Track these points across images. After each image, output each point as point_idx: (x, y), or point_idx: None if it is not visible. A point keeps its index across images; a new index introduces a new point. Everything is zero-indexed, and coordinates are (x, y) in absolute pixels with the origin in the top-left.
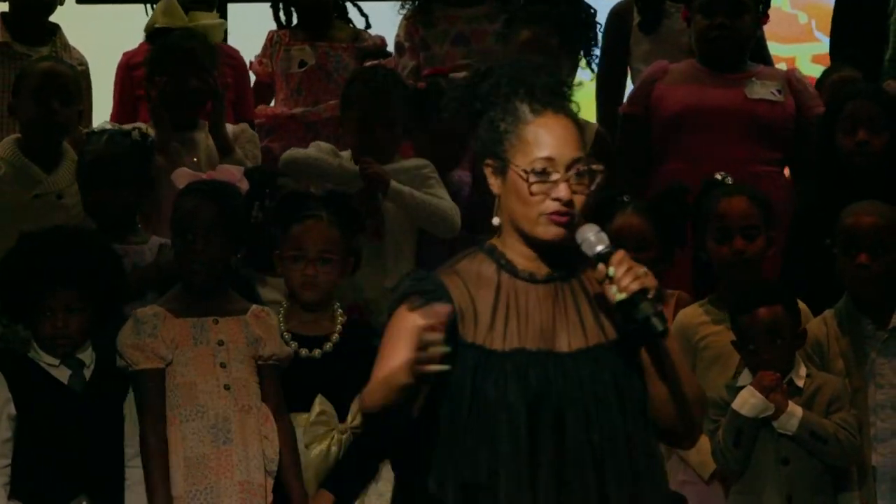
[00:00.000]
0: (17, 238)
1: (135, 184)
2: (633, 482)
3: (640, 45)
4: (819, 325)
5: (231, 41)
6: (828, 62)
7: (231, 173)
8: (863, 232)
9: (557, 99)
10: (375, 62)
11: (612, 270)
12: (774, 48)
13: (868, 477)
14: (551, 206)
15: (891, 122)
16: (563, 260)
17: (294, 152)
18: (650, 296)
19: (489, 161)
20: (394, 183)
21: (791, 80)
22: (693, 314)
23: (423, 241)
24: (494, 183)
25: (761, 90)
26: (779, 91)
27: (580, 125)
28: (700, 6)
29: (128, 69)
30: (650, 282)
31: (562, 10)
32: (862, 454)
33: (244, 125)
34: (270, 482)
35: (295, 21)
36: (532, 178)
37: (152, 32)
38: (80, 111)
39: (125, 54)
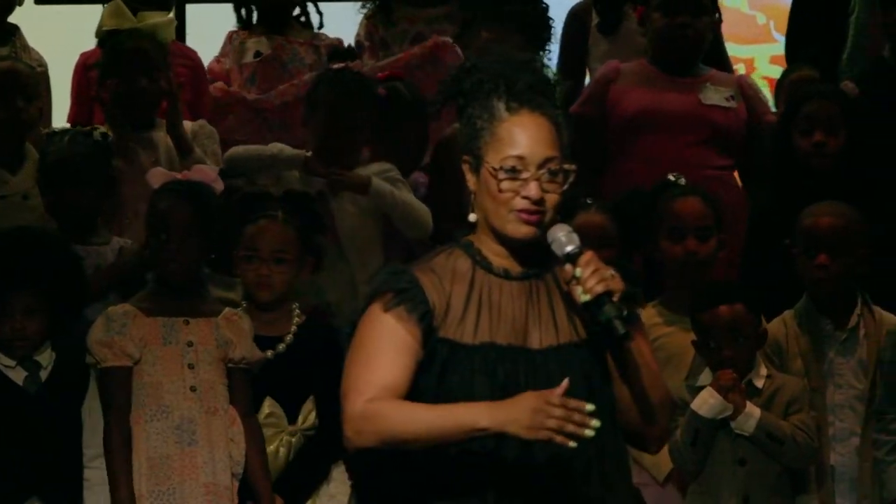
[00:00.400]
0: None
1: (97, 185)
2: (599, 483)
3: (598, 45)
4: (778, 325)
5: (189, 42)
6: (786, 63)
7: (206, 173)
8: (822, 233)
9: (536, 97)
10: (342, 64)
11: (578, 271)
12: (733, 49)
13: (826, 477)
14: (520, 203)
15: (848, 123)
16: (537, 258)
17: (234, 149)
18: (615, 298)
19: (466, 157)
20: (376, 180)
21: (743, 87)
22: (645, 315)
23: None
24: (470, 179)
25: (715, 96)
26: (732, 97)
27: (558, 124)
28: (660, 4)
29: (85, 70)
30: (616, 284)
31: (521, 8)
32: (821, 454)
33: (202, 122)
34: (236, 484)
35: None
36: (502, 176)
37: (103, 36)
38: (41, 108)
39: (82, 55)
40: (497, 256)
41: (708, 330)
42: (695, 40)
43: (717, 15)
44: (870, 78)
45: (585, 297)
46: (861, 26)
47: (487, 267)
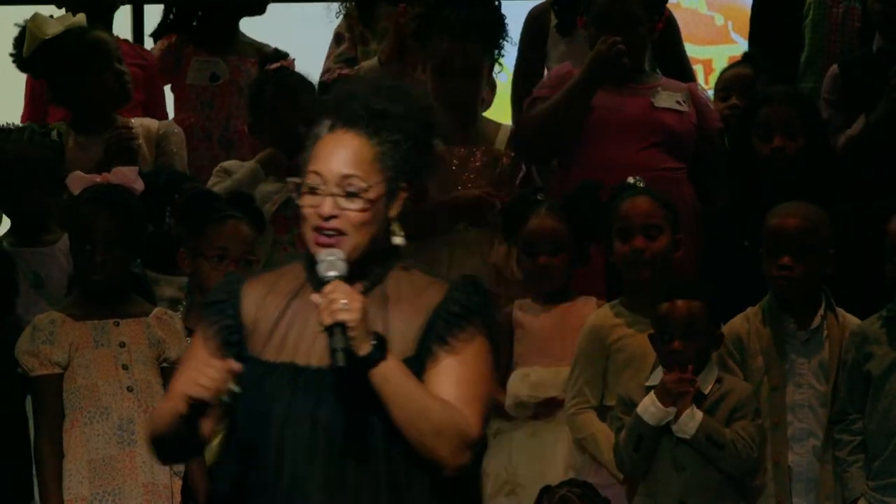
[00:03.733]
0: None
1: (50, 184)
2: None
3: (557, 47)
4: (741, 321)
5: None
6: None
7: (125, 175)
8: (787, 233)
9: (366, 120)
10: (277, 64)
11: (319, 300)
12: (691, 50)
13: (783, 476)
14: (315, 220)
15: (805, 126)
16: (365, 273)
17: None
18: (350, 330)
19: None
20: None
21: (693, 93)
22: (605, 316)
23: None
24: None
25: (668, 100)
26: (683, 101)
27: (383, 148)
28: (592, 18)
29: None
30: (346, 316)
31: (478, 13)
32: (779, 453)
33: (170, 123)
34: (178, 483)
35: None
36: (303, 191)
37: (42, 43)
38: None
39: None
40: None
41: (664, 322)
42: (627, 54)
43: (656, 17)
44: (860, 66)
45: (320, 328)
46: (816, 29)
47: (314, 281)
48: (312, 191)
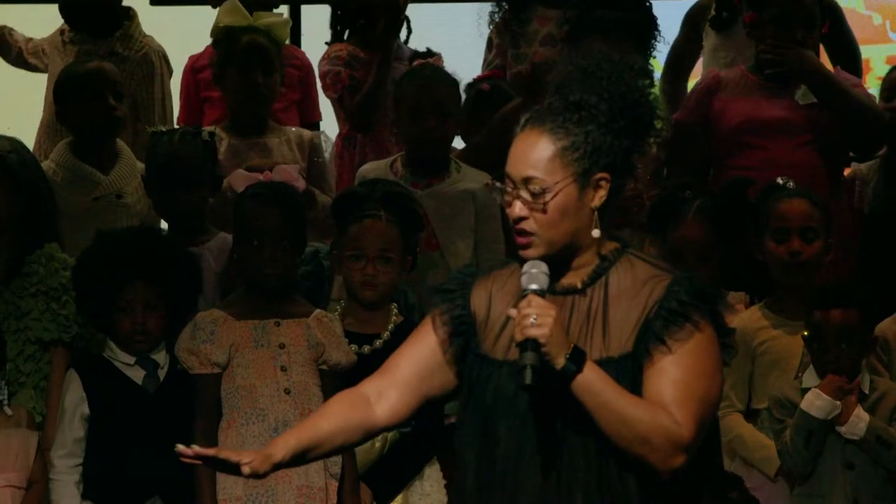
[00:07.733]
0: (94, 237)
1: (204, 185)
2: (598, 492)
3: (708, 39)
4: (890, 323)
5: (304, 43)
6: None
7: (288, 173)
8: None
9: (558, 115)
10: (423, 61)
11: (514, 313)
12: None
13: None
14: (511, 222)
15: None
16: (570, 266)
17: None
18: (542, 346)
19: None
20: None
21: None
22: (751, 318)
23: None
24: None
25: (810, 95)
26: None
27: (566, 146)
28: (773, 18)
29: (193, 72)
30: (536, 332)
31: (632, 14)
32: None
33: (321, 133)
34: (334, 485)
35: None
36: (495, 192)
37: (219, 33)
38: (133, 105)
39: (190, 58)
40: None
41: (818, 330)
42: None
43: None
44: None
45: (516, 340)
46: None
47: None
48: (506, 193)
